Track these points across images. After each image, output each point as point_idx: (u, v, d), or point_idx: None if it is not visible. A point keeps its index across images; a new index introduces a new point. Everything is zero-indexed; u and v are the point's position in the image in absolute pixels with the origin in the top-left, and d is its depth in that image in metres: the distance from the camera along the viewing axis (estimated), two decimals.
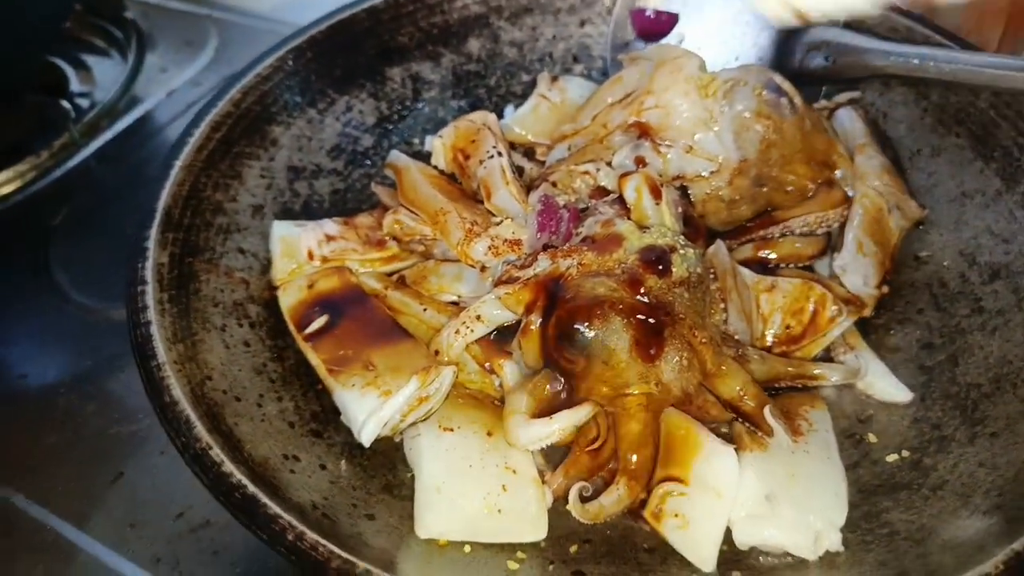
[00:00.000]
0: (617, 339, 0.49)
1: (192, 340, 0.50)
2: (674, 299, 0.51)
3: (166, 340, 0.48)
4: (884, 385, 0.57)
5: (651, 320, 0.49)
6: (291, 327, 0.57)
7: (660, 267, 0.52)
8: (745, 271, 0.60)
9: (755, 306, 0.59)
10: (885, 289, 0.62)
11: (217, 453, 0.42)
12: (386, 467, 0.52)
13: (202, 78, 1.03)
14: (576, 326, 0.49)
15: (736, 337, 0.56)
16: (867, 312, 0.61)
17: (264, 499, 0.41)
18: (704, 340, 0.51)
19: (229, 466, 0.42)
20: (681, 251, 0.53)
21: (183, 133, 0.61)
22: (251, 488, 0.41)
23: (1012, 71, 0.57)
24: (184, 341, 0.50)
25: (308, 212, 0.68)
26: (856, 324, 0.60)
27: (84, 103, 1.03)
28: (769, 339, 0.59)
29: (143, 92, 1.03)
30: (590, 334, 0.49)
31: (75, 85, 1.07)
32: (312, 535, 0.42)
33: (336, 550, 0.41)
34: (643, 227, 0.56)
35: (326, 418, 0.54)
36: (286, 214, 0.66)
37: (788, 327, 0.59)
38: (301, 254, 0.61)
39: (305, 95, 0.70)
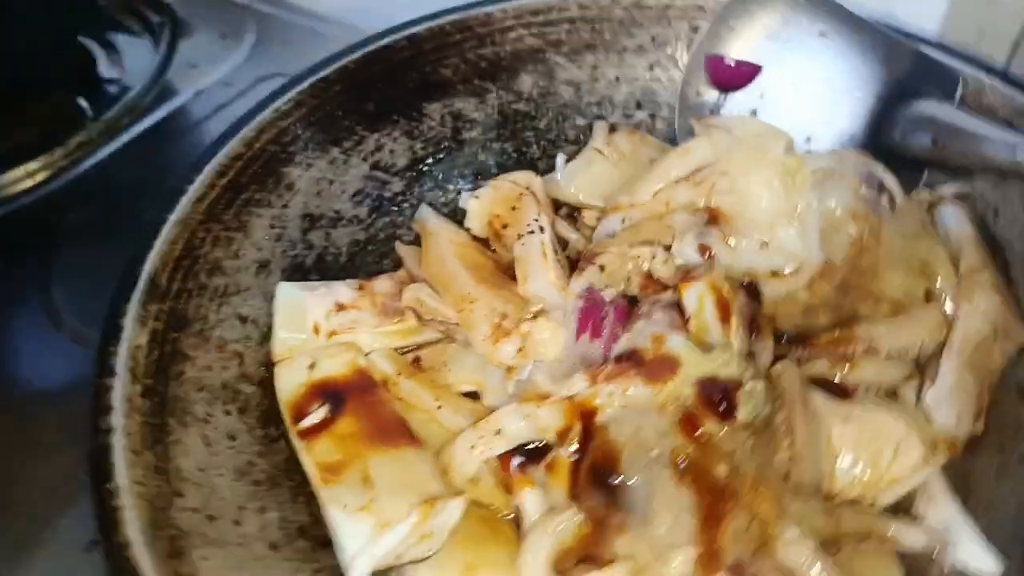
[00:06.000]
0: (663, 497, 0.41)
1: (166, 443, 0.43)
2: (736, 448, 0.43)
3: (131, 452, 0.41)
4: (969, 549, 0.48)
5: (707, 478, 0.41)
6: (286, 418, 0.50)
7: (722, 408, 0.43)
8: (817, 398, 0.50)
9: (826, 440, 0.50)
10: (980, 427, 0.53)
11: None
12: None
13: (234, 77, 0.96)
14: (616, 475, 0.41)
15: (800, 481, 0.47)
16: (955, 454, 0.51)
17: None
18: (767, 499, 0.43)
19: None
20: (747, 387, 0.45)
21: (180, 180, 0.53)
22: None
23: None
24: (155, 447, 0.43)
25: (322, 267, 0.60)
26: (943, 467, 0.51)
27: (113, 89, 0.97)
28: (838, 480, 0.50)
29: (172, 86, 0.96)
30: (631, 487, 0.41)
31: (104, 69, 1.01)
32: None
33: None
34: (702, 344, 0.47)
35: (316, 534, 0.47)
36: (296, 270, 0.58)
37: (861, 468, 0.50)
38: (306, 326, 0.54)
39: (330, 132, 0.62)
